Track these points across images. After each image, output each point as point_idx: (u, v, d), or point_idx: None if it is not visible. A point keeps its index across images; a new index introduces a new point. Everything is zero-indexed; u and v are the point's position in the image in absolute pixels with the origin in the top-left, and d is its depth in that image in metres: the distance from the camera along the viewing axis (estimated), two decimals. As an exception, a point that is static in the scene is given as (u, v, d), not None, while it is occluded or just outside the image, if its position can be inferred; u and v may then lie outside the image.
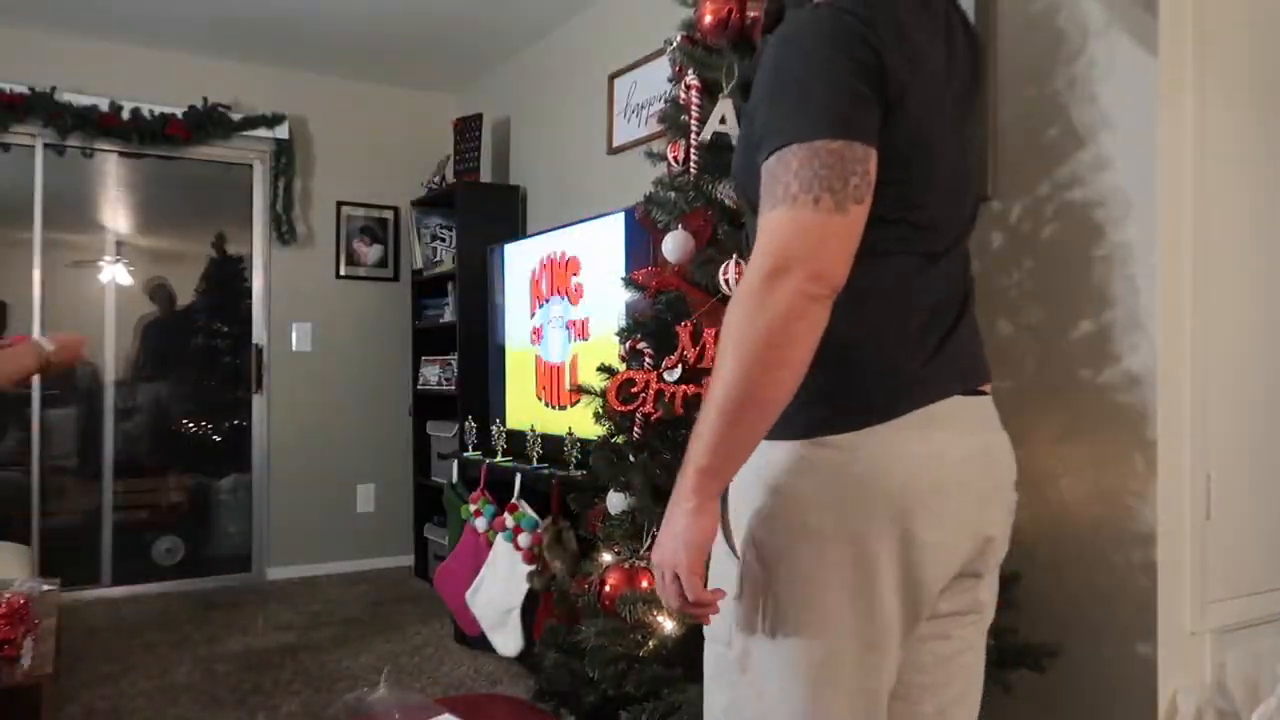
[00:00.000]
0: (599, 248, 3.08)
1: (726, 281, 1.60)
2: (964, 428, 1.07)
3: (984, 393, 1.14)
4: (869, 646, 1.02)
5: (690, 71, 1.73)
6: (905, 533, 1.00)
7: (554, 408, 3.36)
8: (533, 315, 3.53)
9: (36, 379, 4.18)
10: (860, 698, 1.03)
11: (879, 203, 0.99)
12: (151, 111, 4.36)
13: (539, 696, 1.89)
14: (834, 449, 1.02)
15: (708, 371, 1.61)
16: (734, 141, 1.65)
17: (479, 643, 3.38)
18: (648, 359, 1.70)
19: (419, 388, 4.75)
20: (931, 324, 1.08)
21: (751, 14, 1.66)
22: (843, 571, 1.00)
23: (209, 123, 4.48)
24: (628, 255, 2.91)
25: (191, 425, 4.74)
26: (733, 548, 1.08)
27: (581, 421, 2.73)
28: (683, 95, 1.75)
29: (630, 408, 1.68)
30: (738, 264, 1.59)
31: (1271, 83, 2.03)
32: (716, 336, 1.59)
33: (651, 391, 1.65)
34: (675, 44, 1.79)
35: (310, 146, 4.83)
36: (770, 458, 1.04)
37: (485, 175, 4.69)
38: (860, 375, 1.04)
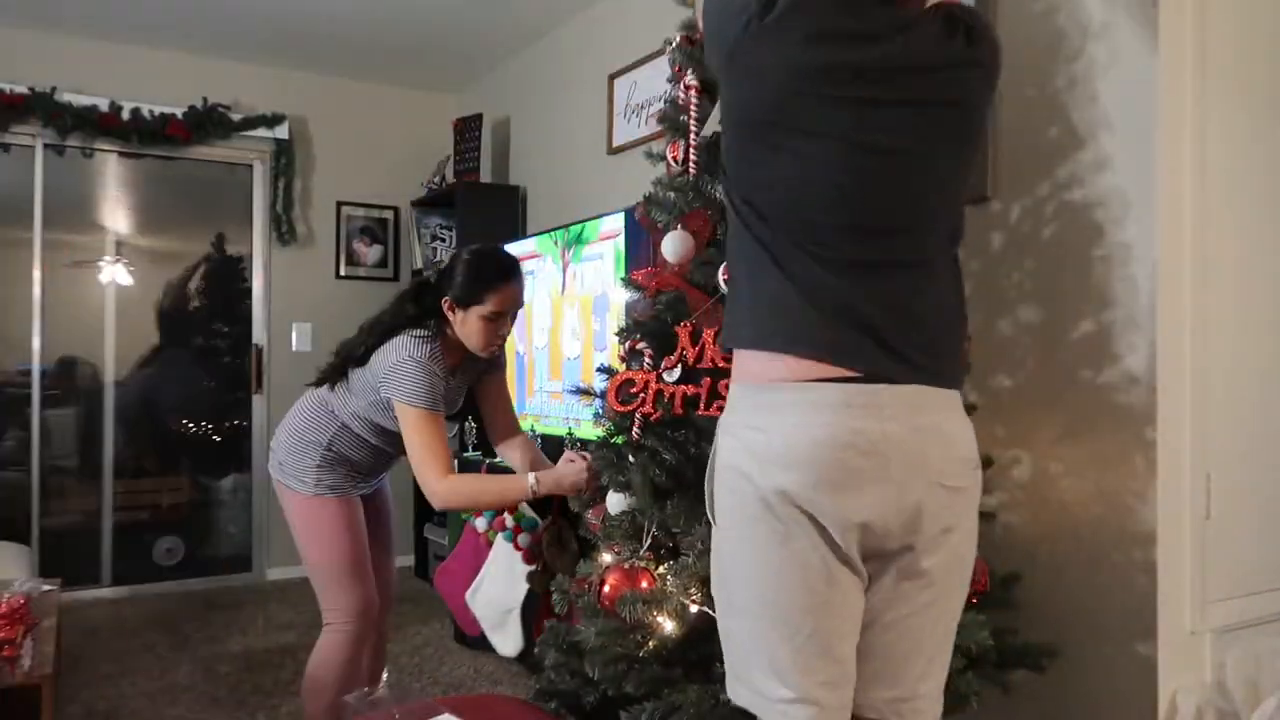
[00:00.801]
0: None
1: (725, 281, 1.60)
2: (856, 414, 1.17)
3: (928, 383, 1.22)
4: (807, 590, 1.19)
5: (689, 72, 1.73)
6: (791, 490, 1.17)
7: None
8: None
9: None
10: (807, 637, 1.20)
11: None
12: (151, 111, 4.36)
13: (539, 696, 1.88)
14: (741, 423, 1.24)
15: (707, 372, 1.61)
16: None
17: (479, 643, 3.37)
18: (647, 359, 1.69)
19: (419, 388, 4.74)
20: (799, 318, 1.21)
21: (751, 14, 1.66)
22: (763, 524, 1.19)
23: (209, 123, 4.49)
24: (628, 255, 2.91)
25: (191, 425, 4.74)
26: (712, 515, 1.30)
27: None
28: (682, 95, 1.75)
29: (630, 408, 1.67)
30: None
31: (1271, 83, 2.03)
32: (715, 337, 1.59)
33: (651, 392, 1.65)
34: (674, 44, 1.78)
35: (310, 146, 4.83)
36: (717, 436, 1.29)
37: (485, 175, 4.69)
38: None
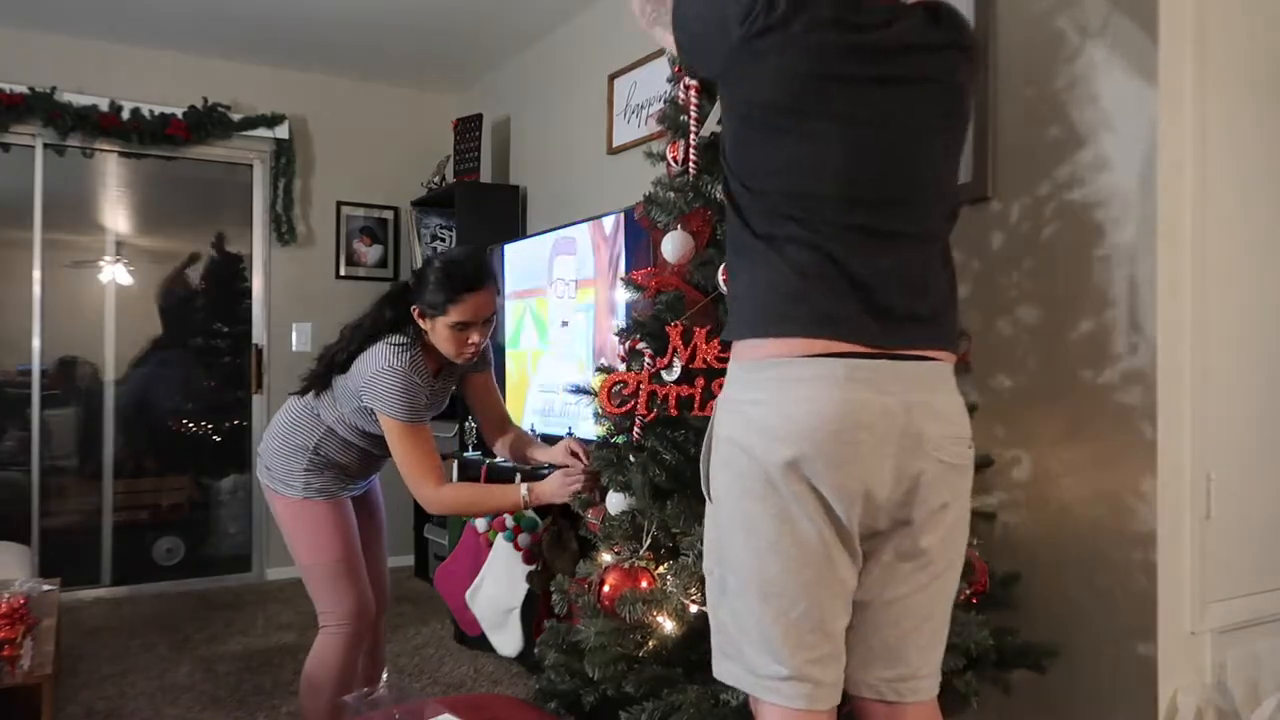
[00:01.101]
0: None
1: (725, 281, 1.59)
2: (858, 387, 1.20)
3: (910, 357, 1.24)
4: (803, 566, 1.21)
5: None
6: (795, 463, 1.18)
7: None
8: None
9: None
10: (801, 613, 1.21)
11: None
12: (151, 111, 4.36)
13: (539, 696, 1.89)
14: (741, 397, 1.25)
15: (700, 372, 1.61)
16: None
17: (479, 643, 3.37)
18: (648, 359, 1.69)
19: (419, 388, 4.75)
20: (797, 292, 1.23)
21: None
22: (763, 499, 1.21)
23: (209, 123, 4.48)
24: (627, 255, 2.91)
25: (191, 425, 4.74)
26: (707, 492, 1.31)
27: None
28: (682, 95, 1.74)
29: (625, 409, 1.67)
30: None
31: (1272, 82, 2.03)
32: (707, 337, 1.59)
33: (644, 393, 1.64)
34: (675, 44, 1.78)
35: (310, 146, 4.83)
36: (716, 413, 1.31)
37: (485, 175, 4.69)
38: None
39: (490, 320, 2.14)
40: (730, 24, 1.24)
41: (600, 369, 1.85)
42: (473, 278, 2.08)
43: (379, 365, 2.05)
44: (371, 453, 2.26)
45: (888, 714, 1.31)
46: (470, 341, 2.11)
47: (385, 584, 2.49)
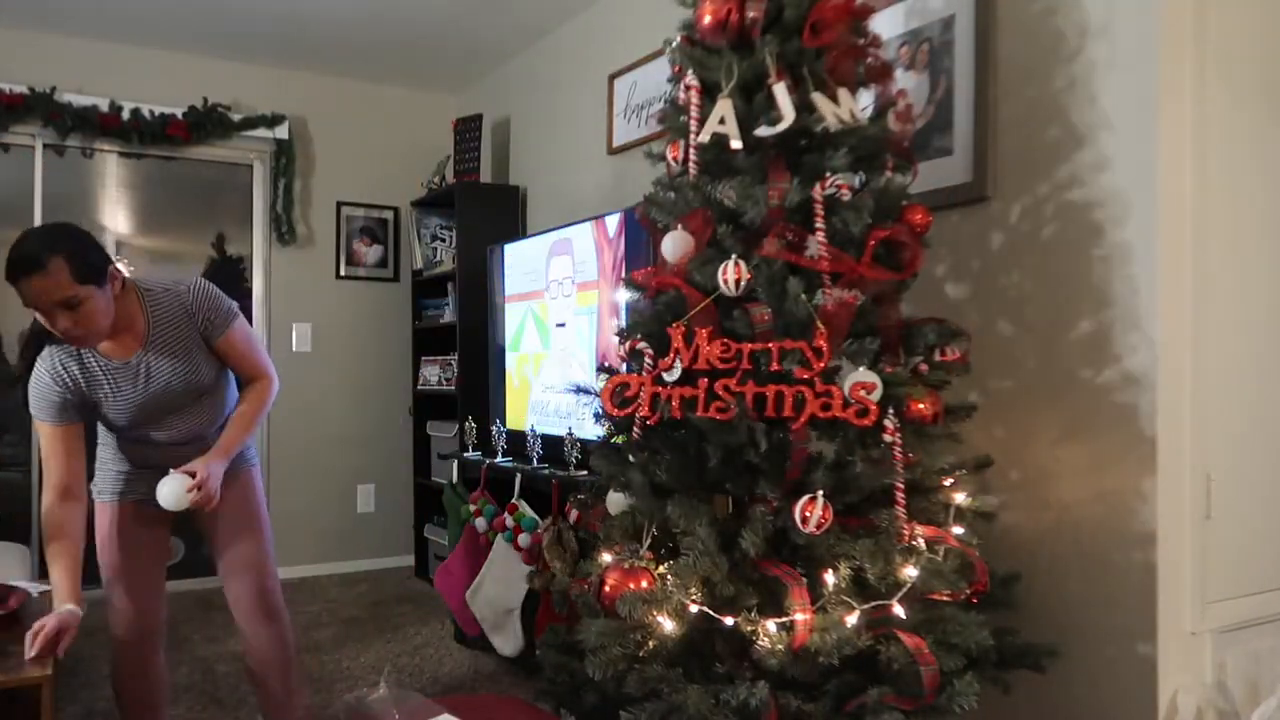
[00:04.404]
0: (599, 248, 3.07)
1: (725, 281, 1.60)
2: None
3: None
4: None
5: (689, 72, 1.73)
6: None
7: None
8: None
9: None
10: None
11: None
12: (151, 111, 4.36)
13: (539, 696, 1.89)
14: None
15: (703, 373, 1.61)
16: (733, 143, 1.65)
17: (479, 643, 3.38)
18: (648, 359, 1.69)
19: (419, 388, 4.75)
20: None
21: (751, 14, 1.66)
22: None
23: (209, 123, 4.48)
24: (628, 255, 2.91)
25: (191, 425, 4.74)
26: None
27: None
28: (682, 96, 1.75)
29: (627, 411, 1.67)
30: (736, 264, 1.59)
31: (1272, 82, 2.03)
32: (709, 337, 1.58)
33: (646, 395, 1.64)
34: (675, 44, 1.78)
35: (310, 146, 4.83)
36: None
37: (485, 175, 4.69)
38: None
39: (69, 303, 1.82)
40: None
41: (603, 369, 1.86)
42: (11, 267, 1.78)
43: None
44: (133, 437, 2.21)
45: None
46: (58, 326, 1.85)
47: (255, 587, 2.38)
